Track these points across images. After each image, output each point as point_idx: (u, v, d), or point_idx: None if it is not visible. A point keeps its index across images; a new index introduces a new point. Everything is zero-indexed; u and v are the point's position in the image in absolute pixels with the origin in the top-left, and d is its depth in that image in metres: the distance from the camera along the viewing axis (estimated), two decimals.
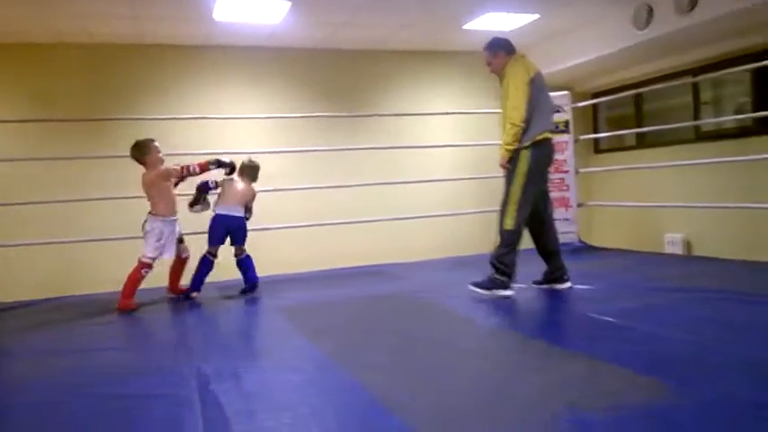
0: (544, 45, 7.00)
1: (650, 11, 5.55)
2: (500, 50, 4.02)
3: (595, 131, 7.70)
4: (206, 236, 4.52)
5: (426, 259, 6.04)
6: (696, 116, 6.45)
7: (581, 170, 6.39)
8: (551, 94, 6.05)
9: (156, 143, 4.40)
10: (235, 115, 6.34)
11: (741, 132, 6.07)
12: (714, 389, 2.10)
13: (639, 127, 7.03)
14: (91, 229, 5.53)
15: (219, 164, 4.54)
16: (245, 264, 4.58)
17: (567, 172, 6.17)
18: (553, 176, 6.12)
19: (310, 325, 3.48)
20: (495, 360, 2.63)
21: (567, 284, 4.04)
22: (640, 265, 4.96)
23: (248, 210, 4.68)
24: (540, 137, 3.82)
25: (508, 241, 3.85)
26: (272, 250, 6.23)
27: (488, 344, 3.00)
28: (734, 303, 3.40)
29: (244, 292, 4.56)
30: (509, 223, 3.84)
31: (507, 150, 3.84)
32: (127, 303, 4.09)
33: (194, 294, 4.44)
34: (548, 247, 4.07)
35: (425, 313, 3.70)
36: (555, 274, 4.06)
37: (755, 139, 5.75)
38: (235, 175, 4.65)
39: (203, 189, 4.57)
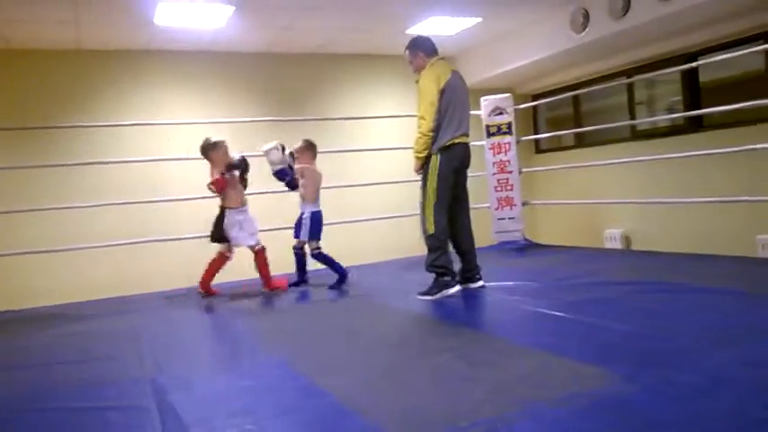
0: (486, 48, 7.17)
1: (586, 15, 5.76)
2: (419, 51, 4.11)
3: (536, 132, 7.93)
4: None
5: (376, 262, 6.08)
6: (631, 116, 6.73)
7: (524, 170, 6.57)
8: (493, 97, 6.27)
9: (226, 143, 4.63)
10: (178, 120, 6.25)
11: (673, 131, 6.37)
12: (656, 374, 2.21)
13: (578, 127, 7.29)
14: (37, 240, 5.35)
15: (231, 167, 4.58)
16: (326, 258, 4.72)
17: (510, 172, 6.32)
18: (499, 176, 6.28)
19: (265, 330, 3.47)
20: (450, 357, 2.69)
21: (479, 284, 4.17)
22: (582, 261, 5.14)
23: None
24: (449, 143, 3.95)
25: (435, 245, 3.97)
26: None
27: (442, 342, 3.06)
28: (670, 294, 3.58)
29: (337, 285, 4.65)
30: (429, 228, 3.96)
31: (418, 158, 4.01)
32: (275, 284, 4.65)
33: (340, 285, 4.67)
34: (461, 246, 4.20)
35: (379, 315, 3.74)
36: (467, 274, 4.18)
37: (687, 137, 6.05)
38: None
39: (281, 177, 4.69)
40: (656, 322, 3.00)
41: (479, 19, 6.16)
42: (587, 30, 5.79)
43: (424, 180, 4.03)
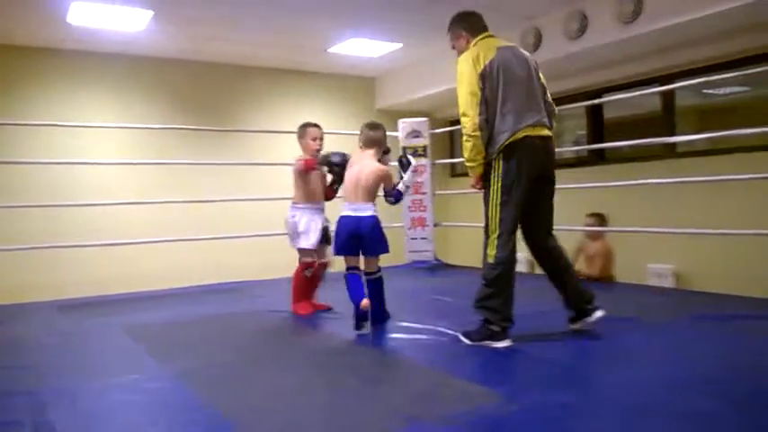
0: (407, 72, 7.33)
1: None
2: (460, 30, 3.27)
3: (452, 156, 8.15)
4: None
5: (287, 276, 6.05)
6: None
7: (437, 192, 6.73)
8: (410, 120, 6.40)
9: (314, 129, 4.15)
10: (91, 123, 6.02)
11: (578, 162, 6.72)
12: (538, 394, 2.33)
13: None
14: None
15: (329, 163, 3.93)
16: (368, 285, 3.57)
17: (424, 193, 6.46)
18: (413, 197, 6.41)
19: (159, 345, 3.39)
20: (345, 374, 2.72)
21: (597, 315, 3.20)
22: None
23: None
24: (510, 139, 2.99)
25: (490, 277, 3.05)
26: (122, 266, 5.98)
27: (339, 359, 3.09)
28: (561, 315, 3.76)
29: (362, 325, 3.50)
30: (491, 254, 3.05)
31: (472, 168, 3.10)
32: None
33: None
34: (556, 273, 3.26)
35: (278, 330, 3.73)
36: (580, 305, 3.26)
37: (589, 168, 6.40)
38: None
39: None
40: (542, 343, 3.15)
41: (400, 45, 6.31)
42: None
43: (486, 195, 3.12)
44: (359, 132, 3.70)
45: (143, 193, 5.88)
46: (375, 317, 3.57)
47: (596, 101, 5.73)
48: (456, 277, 5.67)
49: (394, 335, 3.75)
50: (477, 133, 2.97)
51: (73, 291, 4.80)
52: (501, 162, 2.99)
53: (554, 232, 3.27)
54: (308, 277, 4.03)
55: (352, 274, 3.58)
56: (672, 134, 5.56)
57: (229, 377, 2.72)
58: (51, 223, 5.74)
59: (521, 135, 2.97)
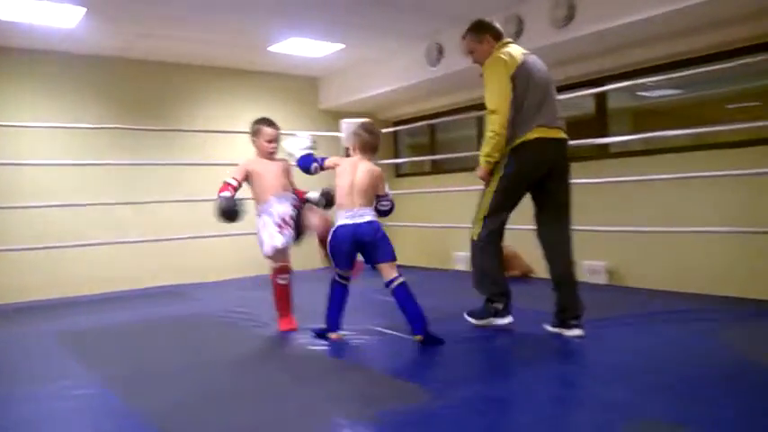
0: (350, 73, 7.34)
1: (440, 49, 6.09)
2: (486, 34, 3.43)
3: (396, 157, 8.21)
4: None
5: (229, 278, 5.99)
6: (479, 147, 7.14)
7: None
8: (352, 120, 6.40)
9: (270, 129, 3.76)
10: (20, 123, 5.81)
11: None
12: (465, 389, 2.38)
13: (434, 154, 7.64)
14: None
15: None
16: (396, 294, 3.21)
17: None
18: None
19: (91, 351, 3.31)
20: (277, 376, 2.72)
21: (575, 332, 3.24)
22: (431, 281, 5.39)
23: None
24: (522, 139, 3.23)
25: (474, 252, 3.39)
26: (57, 270, 5.80)
27: (272, 361, 3.08)
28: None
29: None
30: (476, 232, 3.38)
31: (488, 162, 3.28)
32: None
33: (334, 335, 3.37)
34: (555, 276, 3.37)
35: (213, 334, 3.69)
36: (561, 314, 3.32)
37: None
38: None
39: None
40: (482, 340, 3.22)
41: (342, 45, 6.31)
42: (441, 63, 6.12)
43: (486, 185, 3.38)
44: (347, 133, 3.48)
45: (81, 194, 5.70)
46: (418, 320, 3.13)
47: None
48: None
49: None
50: (504, 131, 3.18)
51: (7, 296, 4.62)
52: (509, 157, 3.24)
53: (570, 229, 3.41)
54: (286, 285, 3.62)
55: (341, 286, 3.34)
56: (605, 135, 5.75)
57: (159, 383, 2.68)
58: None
59: (533, 136, 3.20)
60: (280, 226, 3.50)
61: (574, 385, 2.42)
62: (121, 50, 6.33)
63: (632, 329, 3.40)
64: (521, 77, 3.21)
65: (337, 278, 3.35)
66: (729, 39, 4.83)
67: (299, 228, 3.56)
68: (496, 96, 3.19)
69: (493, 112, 3.20)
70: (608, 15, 4.80)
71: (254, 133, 3.80)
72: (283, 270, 3.61)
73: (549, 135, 3.24)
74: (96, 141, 6.24)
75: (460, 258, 7.12)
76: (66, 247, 5.39)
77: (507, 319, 3.36)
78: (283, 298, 3.64)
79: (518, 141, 3.22)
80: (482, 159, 3.29)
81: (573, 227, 3.42)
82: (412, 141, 8.62)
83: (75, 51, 6.23)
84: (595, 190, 5.30)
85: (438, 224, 7.16)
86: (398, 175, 8.47)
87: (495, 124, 3.18)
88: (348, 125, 6.32)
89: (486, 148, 3.25)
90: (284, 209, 3.57)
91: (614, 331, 3.35)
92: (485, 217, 3.34)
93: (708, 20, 4.59)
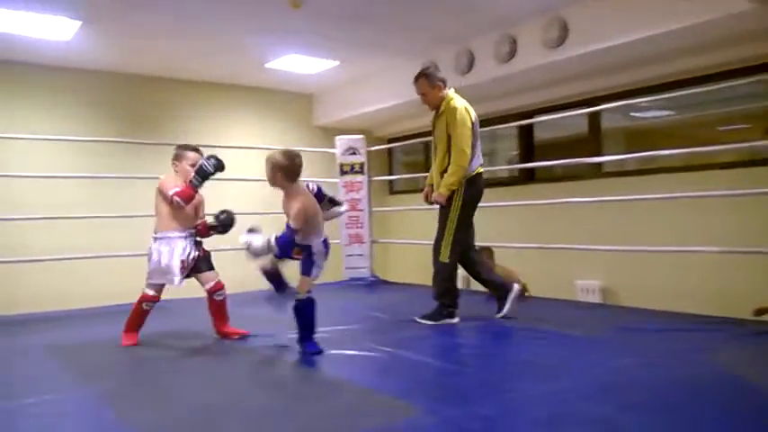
0: (345, 89, 7.38)
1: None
2: (439, 81, 4.07)
3: (390, 174, 8.22)
4: None
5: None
6: None
7: (375, 209, 6.78)
8: (347, 137, 6.46)
9: (194, 154, 3.81)
10: (15, 135, 5.80)
11: (512, 181, 6.89)
12: (455, 407, 2.36)
13: (427, 172, 7.64)
14: None
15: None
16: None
17: (361, 210, 6.50)
18: (350, 214, 6.42)
19: (79, 364, 3.27)
20: (268, 391, 2.69)
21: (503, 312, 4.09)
22: (423, 298, 5.35)
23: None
24: (474, 173, 4.01)
25: (445, 274, 4.04)
26: (41, 284, 5.76)
27: (263, 376, 3.06)
28: (489, 333, 3.84)
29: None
30: (445, 255, 4.02)
31: (449, 190, 3.95)
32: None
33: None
34: (480, 275, 4.24)
35: (203, 348, 3.66)
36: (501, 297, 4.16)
37: (520, 187, 6.57)
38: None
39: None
40: (469, 357, 3.20)
41: (337, 62, 6.36)
42: None
43: (446, 211, 4.01)
44: (294, 162, 3.23)
45: (73, 207, 5.69)
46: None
47: (526, 121, 5.92)
48: (392, 293, 5.69)
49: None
50: (467, 165, 3.91)
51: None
52: (464, 189, 3.97)
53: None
54: (145, 311, 3.70)
55: (312, 300, 3.35)
56: (598, 155, 5.78)
57: (148, 396, 2.65)
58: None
59: (479, 171, 4.04)
60: (182, 265, 3.66)
61: (564, 403, 2.40)
62: (116, 65, 6.36)
63: (623, 348, 3.39)
64: (474, 126, 3.99)
65: (310, 295, 3.32)
66: (721, 61, 4.89)
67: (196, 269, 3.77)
68: (466, 138, 3.90)
69: (462, 150, 3.89)
70: (600, 36, 4.85)
71: (177, 158, 3.83)
72: (153, 299, 3.73)
73: (482, 171, 4.09)
74: (88, 154, 6.23)
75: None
76: (56, 261, 5.36)
77: (457, 319, 4.05)
78: (136, 319, 3.73)
79: (472, 174, 3.98)
80: (445, 188, 3.95)
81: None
82: (407, 159, 8.64)
83: (70, 65, 6.25)
84: (589, 209, 5.33)
85: (431, 241, 7.16)
86: (392, 192, 8.48)
87: (463, 160, 3.90)
88: (341, 142, 6.34)
89: (451, 179, 3.92)
90: (189, 249, 3.74)
91: (605, 349, 3.34)
92: (453, 241, 4.00)
93: (699, 42, 4.65)
